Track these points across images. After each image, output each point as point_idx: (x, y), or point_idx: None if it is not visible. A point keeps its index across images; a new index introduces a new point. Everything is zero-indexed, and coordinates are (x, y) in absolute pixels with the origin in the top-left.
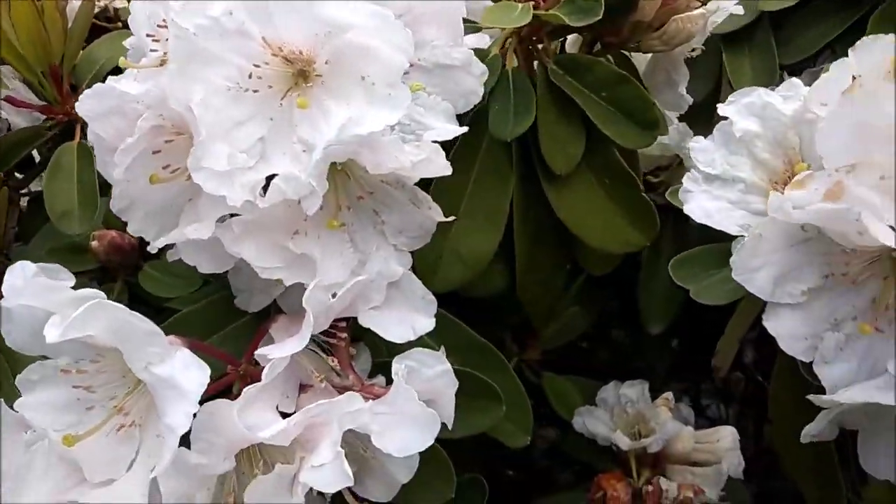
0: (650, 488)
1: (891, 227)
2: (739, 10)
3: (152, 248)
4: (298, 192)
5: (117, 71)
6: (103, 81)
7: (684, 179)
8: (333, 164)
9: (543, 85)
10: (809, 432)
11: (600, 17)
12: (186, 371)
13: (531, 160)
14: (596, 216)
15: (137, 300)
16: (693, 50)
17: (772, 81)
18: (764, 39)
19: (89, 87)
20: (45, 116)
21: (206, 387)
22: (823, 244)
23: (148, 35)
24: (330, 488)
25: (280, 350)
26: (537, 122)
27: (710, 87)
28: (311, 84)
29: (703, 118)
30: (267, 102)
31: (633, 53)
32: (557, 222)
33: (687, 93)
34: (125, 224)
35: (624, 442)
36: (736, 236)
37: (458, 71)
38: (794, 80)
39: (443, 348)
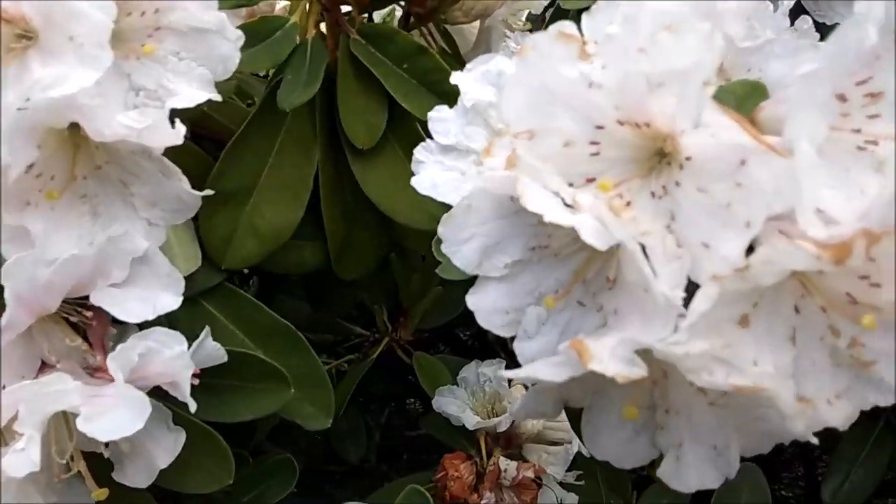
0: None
1: (560, 196)
2: None
3: None
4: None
5: None
6: None
7: (416, 150)
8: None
9: (345, 55)
10: (523, 409)
11: None
12: None
13: (337, 134)
14: (403, 191)
15: None
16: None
17: None
18: None
19: None
20: None
21: None
22: (530, 215)
23: None
24: (19, 473)
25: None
26: (338, 93)
27: None
28: (30, 44)
29: None
30: None
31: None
32: None
33: None
34: None
35: (470, 421)
36: None
37: (213, 35)
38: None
39: (207, 328)
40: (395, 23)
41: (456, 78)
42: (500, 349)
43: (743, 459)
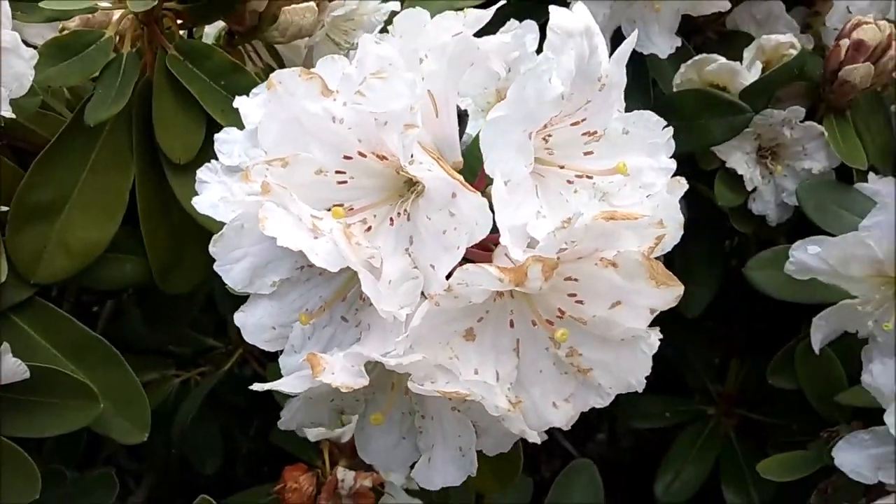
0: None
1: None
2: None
3: None
4: None
5: None
6: None
7: (199, 170)
8: None
9: (161, 71)
10: (294, 419)
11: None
12: None
13: (154, 148)
14: None
15: None
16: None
17: None
18: None
19: None
20: None
21: None
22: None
23: None
24: None
25: None
26: (153, 109)
27: None
28: None
29: None
30: None
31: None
32: None
33: None
34: None
35: (311, 433)
36: None
37: (8, 54)
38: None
39: (6, 345)
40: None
41: (238, 102)
42: None
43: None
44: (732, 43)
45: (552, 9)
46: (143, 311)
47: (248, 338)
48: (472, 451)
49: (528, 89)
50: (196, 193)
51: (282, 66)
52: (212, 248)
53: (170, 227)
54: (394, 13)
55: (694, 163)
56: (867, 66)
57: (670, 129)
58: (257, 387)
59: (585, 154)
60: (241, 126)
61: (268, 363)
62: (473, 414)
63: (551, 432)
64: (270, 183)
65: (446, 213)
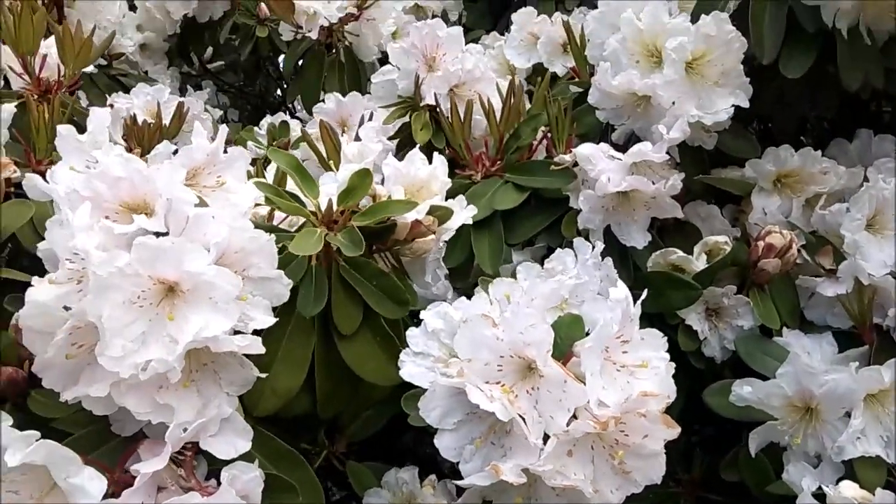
0: None
1: (484, 391)
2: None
3: (64, 399)
4: (166, 368)
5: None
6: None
7: (401, 354)
8: None
9: (336, 276)
10: None
11: (363, 250)
12: (91, 481)
13: (328, 324)
14: (370, 361)
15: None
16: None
17: (500, 253)
18: (496, 227)
19: None
20: None
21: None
22: (466, 397)
23: (66, 258)
24: None
25: (148, 466)
26: (331, 300)
27: (464, 255)
28: (178, 297)
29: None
30: (149, 310)
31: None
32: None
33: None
34: (19, 361)
35: None
36: None
37: (274, 282)
38: (463, 299)
39: (257, 460)
40: None
41: (424, 314)
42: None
43: None
44: (684, 230)
45: (612, 290)
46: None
47: (444, 454)
48: None
49: (603, 330)
50: (353, 351)
51: (401, 266)
52: (420, 403)
53: (334, 376)
54: None
55: (663, 319)
56: (776, 261)
57: (665, 340)
58: (461, 483)
59: (623, 352)
60: (384, 311)
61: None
62: (571, 497)
63: None
64: (464, 370)
65: (560, 390)
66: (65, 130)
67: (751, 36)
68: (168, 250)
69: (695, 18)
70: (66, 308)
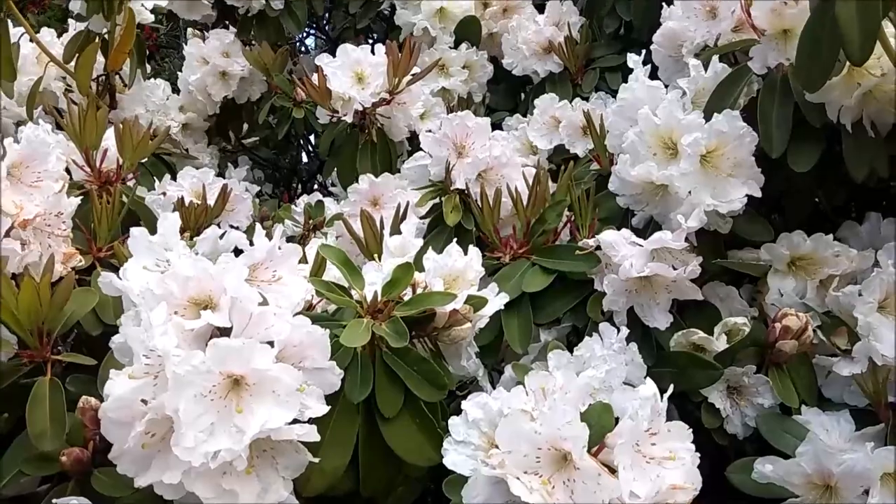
0: None
1: (523, 482)
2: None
3: (138, 484)
4: (233, 457)
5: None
6: (70, 330)
7: (444, 443)
8: None
9: (380, 362)
10: None
11: (407, 341)
12: None
13: (371, 407)
14: (410, 442)
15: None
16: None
17: (529, 333)
18: (525, 308)
19: (59, 335)
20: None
21: None
22: (507, 486)
23: (144, 354)
24: None
25: None
26: (375, 385)
27: (494, 334)
28: (243, 390)
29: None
30: (217, 402)
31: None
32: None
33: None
34: (83, 441)
35: None
36: None
37: (327, 372)
38: (501, 390)
39: None
40: None
41: (465, 405)
42: None
43: None
44: (705, 310)
45: (641, 388)
46: None
47: None
48: None
49: (634, 426)
50: (395, 432)
51: (438, 350)
52: (464, 491)
53: (377, 456)
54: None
55: (686, 396)
56: (793, 342)
57: (690, 432)
58: None
59: (651, 444)
60: (424, 394)
61: None
62: None
63: None
64: (505, 461)
65: (595, 482)
66: (137, 232)
67: (760, 133)
68: (239, 350)
69: (707, 114)
70: (143, 401)
